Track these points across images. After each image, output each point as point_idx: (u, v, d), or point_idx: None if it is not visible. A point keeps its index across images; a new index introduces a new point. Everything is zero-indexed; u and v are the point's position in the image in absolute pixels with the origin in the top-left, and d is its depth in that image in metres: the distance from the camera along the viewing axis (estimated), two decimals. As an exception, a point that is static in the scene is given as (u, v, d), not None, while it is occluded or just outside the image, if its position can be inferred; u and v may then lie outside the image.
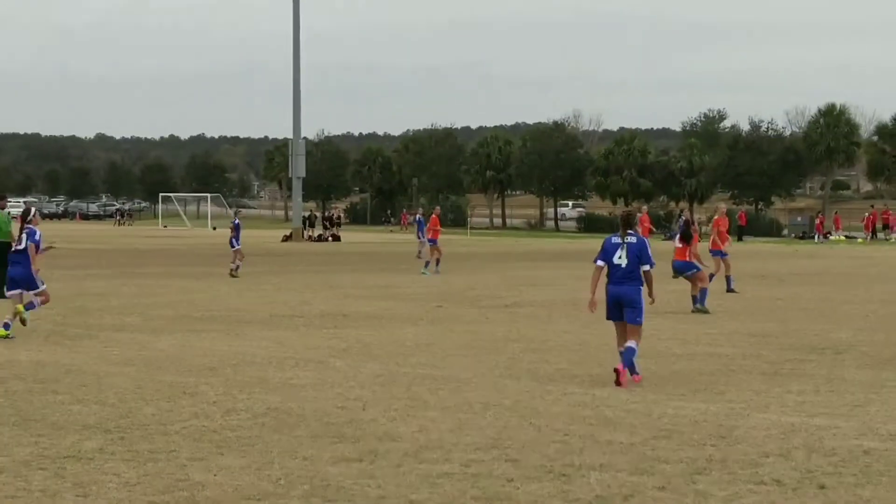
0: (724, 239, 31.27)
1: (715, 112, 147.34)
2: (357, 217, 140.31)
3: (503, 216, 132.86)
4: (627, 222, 15.48)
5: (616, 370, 14.89)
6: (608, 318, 15.59)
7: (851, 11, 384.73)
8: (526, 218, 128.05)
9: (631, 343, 15.11)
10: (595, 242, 75.27)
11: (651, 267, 15.26)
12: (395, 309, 25.55)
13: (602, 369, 16.28)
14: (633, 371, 15.03)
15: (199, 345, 18.81)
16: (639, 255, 15.20)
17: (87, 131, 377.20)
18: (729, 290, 30.42)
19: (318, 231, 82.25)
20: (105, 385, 14.54)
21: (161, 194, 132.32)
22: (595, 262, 15.55)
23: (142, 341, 19.05)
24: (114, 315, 23.57)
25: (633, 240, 15.29)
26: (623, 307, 15.24)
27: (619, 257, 15.24)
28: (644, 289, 15.25)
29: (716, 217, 32.17)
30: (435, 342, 19.50)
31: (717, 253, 30.77)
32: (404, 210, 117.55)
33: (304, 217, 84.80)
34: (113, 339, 19.62)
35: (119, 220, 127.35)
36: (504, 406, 13.23)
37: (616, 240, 15.36)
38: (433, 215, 42.41)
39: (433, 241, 41.05)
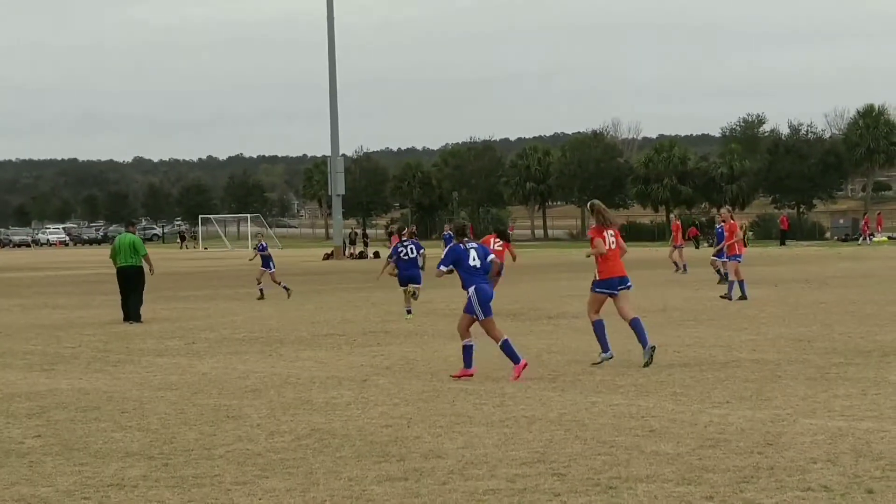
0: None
1: (754, 116, 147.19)
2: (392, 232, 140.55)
3: (544, 227, 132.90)
4: (461, 232, 17.70)
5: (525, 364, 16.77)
6: (487, 316, 17.25)
7: (889, 10, 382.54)
8: (567, 228, 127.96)
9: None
10: (637, 251, 75.35)
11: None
12: (438, 324, 25.51)
13: (646, 379, 16.24)
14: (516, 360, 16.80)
15: (241, 367, 18.83)
16: (485, 253, 17.41)
17: (124, 155, 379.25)
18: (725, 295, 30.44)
19: (359, 248, 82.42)
20: (147, 410, 14.57)
21: (200, 216, 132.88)
22: (439, 267, 17.63)
23: (184, 365, 19.08)
24: (155, 339, 23.64)
25: (474, 244, 17.40)
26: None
27: (473, 259, 17.21)
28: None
29: (732, 222, 32.25)
30: (478, 357, 19.40)
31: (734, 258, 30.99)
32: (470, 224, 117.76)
33: (346, 234, 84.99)
34: (154, 363, 19.67)
35: (181, 243, 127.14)
36: (549, 419, 13.18)
37: (462, 247, 17.29)
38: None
39: None
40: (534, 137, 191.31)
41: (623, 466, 10.56)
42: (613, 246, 18.31)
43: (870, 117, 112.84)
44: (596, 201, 19.02)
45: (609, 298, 18.24)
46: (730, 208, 35.08)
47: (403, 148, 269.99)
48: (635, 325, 18.06)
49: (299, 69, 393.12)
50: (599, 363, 17.92)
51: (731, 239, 31.45)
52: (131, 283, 28.31)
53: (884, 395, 14.28)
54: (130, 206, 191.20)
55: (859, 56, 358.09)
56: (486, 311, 17.21)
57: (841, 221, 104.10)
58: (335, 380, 16.92)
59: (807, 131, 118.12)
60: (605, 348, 18.08)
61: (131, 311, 28.00)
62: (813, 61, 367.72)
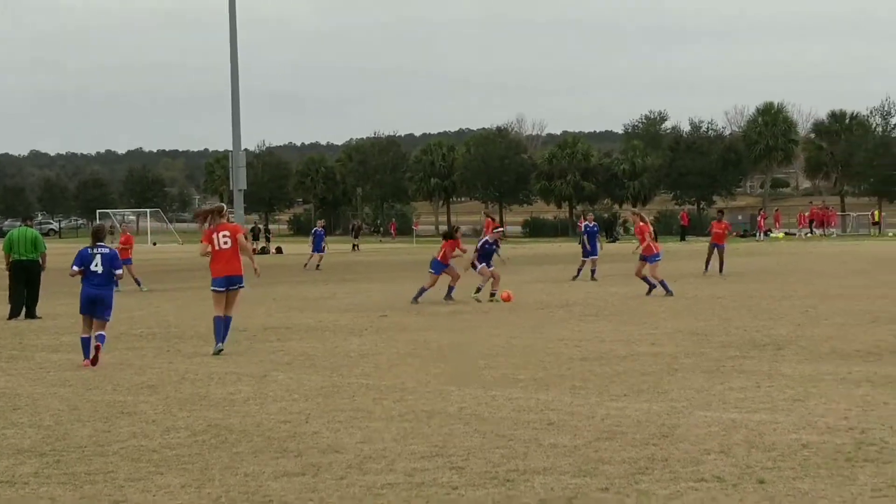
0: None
1: (656, 114, 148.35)
2: (301, 228, 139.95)
3: (448, 223, 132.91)
4: (97, 236, 19.06)
5: (96, 347, 18.10)
6: (82, 313, 18.67)
7: (786, 10, 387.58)
8: (472, 224, 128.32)
9: (102, 332, 18.33)
10: (540, 247, 75.64)
11: (120, 270, 19.01)
12: (339, 320, 25.48)
13: (546, 373, 16.33)
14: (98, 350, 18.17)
15: (138, 363, 18.62)
16: (111, 262, 18.71)
17: (20, 149, 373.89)
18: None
19: (261, 244, 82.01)
20: (40, 407, 14.38)
21: (98, 211, 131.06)
22: (72, 267, 18.78)
23: (78, 361, 18.70)
24: (50, 335, 23.32)
25: (106, 251, 18.83)
26: (96, 305, 18.46)
27: (96, 265, 18.59)
28: (114, 291, 19.01)
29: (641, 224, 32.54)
30: (379, 352, 19.46)
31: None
32: (393, 220, 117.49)
33: (248, 230, 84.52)
34: (49, 359, 19.40)
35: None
36: (448, 413, 13.21)
37: (90, 251, 18.70)
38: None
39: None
40: (438, 133, 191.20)
41: (521, 459, 10.62)
42: (226, 246, 19.42)
43: (769, 115, 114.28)
44: (216, 206, 20.62)
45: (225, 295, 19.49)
46: (636, 210, 35.28)
47: (307, 143, 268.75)
48: (226, 322, 19.51)
49: (201, 62, 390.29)
50: (217, 353, 19.13)
51: (643, 241, 31.73)
52: (28, 278, 27.93)
53: (777, 388, 14.48)
54: (26, 201, 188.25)
55: (759, 55, 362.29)
56: (82, 309, 18.70)
57: (740, 218, 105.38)
58: (234, 375, 16.82)
59: (707, 129, 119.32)
60: (218, 339, 19.41)
61: (27, 308, 27.65)
62: (713, 60, 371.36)
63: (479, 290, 30.29)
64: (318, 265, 52.54)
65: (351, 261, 55.04)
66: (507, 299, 29.29)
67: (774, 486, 9.40)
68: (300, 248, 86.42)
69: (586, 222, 39.40)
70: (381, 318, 25.80)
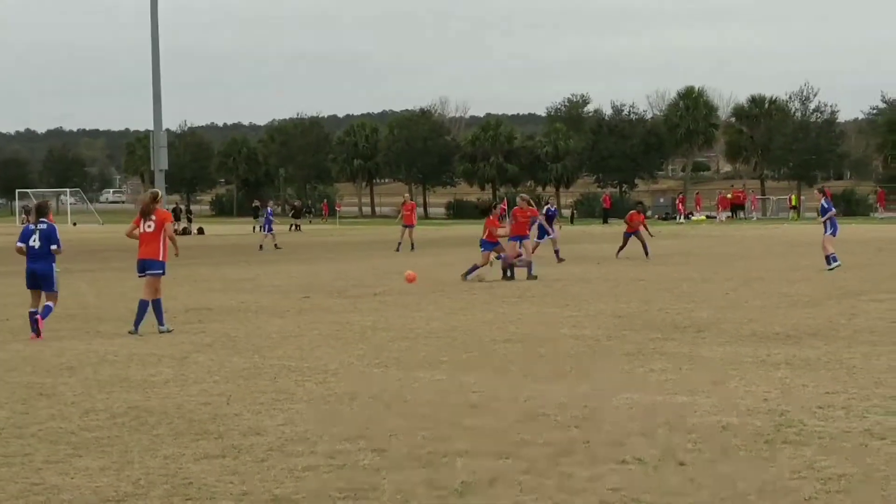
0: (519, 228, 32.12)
1: (579, 97, 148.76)
2: (223, 209, 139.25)
3: (372, 204, 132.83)
4: (40, 212, 19.52)
5: (35, 320, 18.95)
6: (28, 288, 19.50)
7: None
8: (395, 205, 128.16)
9: (49, 303, 19.28)
10: (463, 228, 75.50)
11: (59, 247, 19.32)
12: (262, 301, 25.36)
13: (469, 355, 16.35)
14: (39, 322, 19.03)
15: (57, 344, 18.40)
16: (48, 238, 19.14)
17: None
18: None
19: (182, 224, 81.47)
20: (-40, 389, 14.19)
21: (18, 190, 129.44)
22: (17, 243, 19.57)
23: None
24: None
25: (44, 226, 19.22)
26: (38, 279, 19.23)
27: (34, 240, 19.19)
28: (56, 265, 19.38)
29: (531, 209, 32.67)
30: (302, 333, 19.38)
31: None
32: (325, 200, 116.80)
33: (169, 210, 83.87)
34: (-32, 342, 19.16)
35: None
36: (371, 395, 13.18)
37: (31, 227, 19.36)
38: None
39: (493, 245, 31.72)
40: (362, 114, 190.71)
41: (443, 441, 10.61)
42: (149, 229, 19.68)
43: (689, 99, 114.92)
44: (150, 191, 20.97)
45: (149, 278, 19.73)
46: (524, 195, 35.08)
47: (229, 123, 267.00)
48: (155, 305, 19.66)
49: (122, 41, 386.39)
50: (133, 333, 19.38)
51: (518, 223, 31.76)
52: None
53: (697, 370, 14.59)
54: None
55: (680, 39, 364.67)
56: (27, 284, 19.48)
57: (661, 200, 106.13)
58: (154, 357, 16.69)
59: (629, 112, 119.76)
60: (136, 325, 19.57)
61: None
62: (636, 43, 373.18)
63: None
64: (275, 244, 52.63)
65: (283, 242, 54.67)
66: (411, 280, 29.16)
67: (695, 468, 9.46)
68: (222, 228, 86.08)
69: (548, 206, 39.51)
70: (303, 299, 25.70)
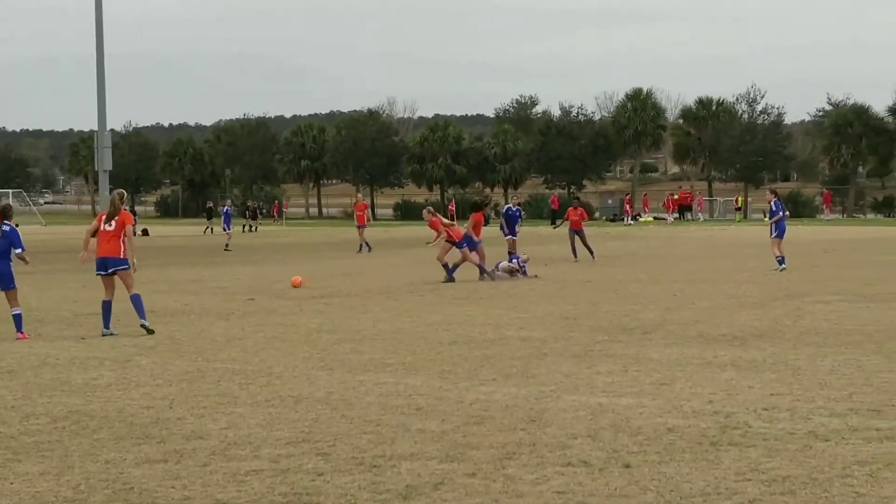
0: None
1: (527, 98, 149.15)
2: (168, 210, 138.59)
3: (319, 205, 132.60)
4: (3, 214, 19.50)
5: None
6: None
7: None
8: (342, 207, 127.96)
9: (16, 310, 19.48)
10: (411, 230, 75.35)
11: (23, 250, 19.47)
12: (206, 303, 25.21)
13: (415, 357, 16.28)
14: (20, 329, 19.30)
15: (-1, 347, 18.22)
16: (10, 240, 19.32)
17: None
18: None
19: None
20: None
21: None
22: None
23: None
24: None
25: (7, 228, 19.41)
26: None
27: None
28: (13, 263, 19.52)
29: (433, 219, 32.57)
30: (246, 336, 19.26)
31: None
32: (276, 202, 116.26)
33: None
34: None
35: None
36: (316, 398, 13.09)
37: None
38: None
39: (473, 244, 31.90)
40: (309, 115, 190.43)
41: (388, 445, 10.54)
42: (109, 228, 19.71)
43: (637, 100, 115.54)
44: (117, 192, 20.54)
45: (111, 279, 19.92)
46: (430, 209, 34.54)
47: (175, 123, 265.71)
48: (136, 300, 19.92)
49: (66, 40, 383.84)
50: (108, 334, 19.49)
51: (438, 234, 31.58)
52: None
53: (644, 372, 14.58)
54: None
55: (628, 40, 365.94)
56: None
57: (609, 202, 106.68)
58: (96, 360, 16.52)
59: (577, 113, 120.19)
60: (104, 324, 19.68)
61: None
62: (584, 44, 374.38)
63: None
64: (227, 245, 52.66)
65: (221, 244, 54.49)
66: (298, 285, 29.11)
67: (640, 471, 9.43)
68: (167, 229, 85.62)
69: (508, 205, 39.23)
70: (248, 301, 25.57)
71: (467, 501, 8.67)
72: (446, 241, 31.24)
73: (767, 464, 9.59)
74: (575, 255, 39.53)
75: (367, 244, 48.29)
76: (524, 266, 31.75)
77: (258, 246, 57.70)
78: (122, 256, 19.71)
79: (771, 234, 33.37)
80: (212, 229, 77.53)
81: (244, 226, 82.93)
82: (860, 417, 11.49)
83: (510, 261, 32.04)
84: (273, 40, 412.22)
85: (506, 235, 36.90)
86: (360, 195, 59.89)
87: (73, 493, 9.12)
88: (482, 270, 31.04)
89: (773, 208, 33.97)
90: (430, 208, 33.71)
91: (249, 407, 12.62)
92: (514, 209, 38.25)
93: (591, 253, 39.18)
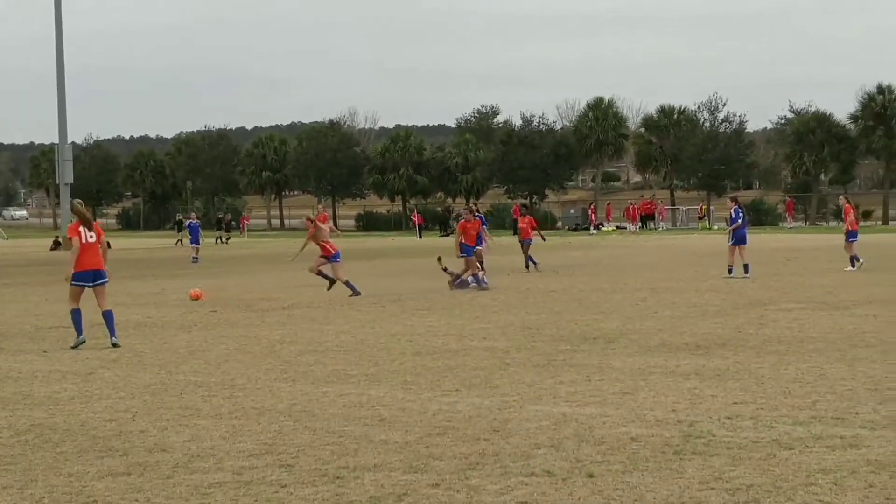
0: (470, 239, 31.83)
1: (488, 108, 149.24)
2: (130, 223, 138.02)
3: (281, 217, 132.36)
4: None
5: None
6: None
7: (615, 5, 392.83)
8: (304, 218, 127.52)
9: None
10: (373, 241, 75.25)
11: None
12: (168, 316, 25.13)
13: (378, 368, 16.27)
14: None
15: (-39, 361, 18.12)
16: None
17: None
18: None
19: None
20: None
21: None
22: None
23: None
24: None
25: None
26: None
27: None
28: None
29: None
30: (209, 348, 19.22)
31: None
32: (243, 213, 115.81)
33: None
34: None
35: None
36: (279, 410, 13.06)
37: None
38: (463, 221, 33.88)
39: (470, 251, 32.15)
40: (270, 126, 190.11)
41: (351, 456, 10.53)
42: (92, 240, 19.68)
43: (599, 109, 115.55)
44: (76, 202, 20.55)
45: (89, 290, 19.77)
46: (310, 216, 34.03)
47: (136, 136, 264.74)
48: (107, 316, 19.71)
49: (25, 53, 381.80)
50: (75, 346, 19.34)
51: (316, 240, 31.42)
52: None
53: (607, 381, 14.61)
54: None
55: (590, 49, 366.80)
56: None
57: (572, 211, 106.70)
58: (59, 373, 16.46)
59: (539, 123, 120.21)
60: (79, 332, 19.59)
61: None
62: (545, 55, 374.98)
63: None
64: (194, 257, 52.64)
65: (185, 256, 54.38)
66: (197, 298, 29.13)
67: (603, 480, 9.45)
68: (129, 242, 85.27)
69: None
70: (210, 313, 25.50)
71: (431, 512, 8.68)
72: (320, 255, 30.99)
73: (731, 472, 9.61)
74: (527, 266, 39.47)
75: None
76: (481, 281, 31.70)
77: (220, 258, 57.53)
78: (105, 269, 19.86)
79: (728, 242, 34.10)
80: (182, 241, 77.35)
81: (217, 238, 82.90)
82: (824, 425, 11.54)
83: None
84: (234, 52, 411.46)
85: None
86: (320, 206, 59.64)
87: (35, 506, 9.09)
88: (475, 279, 31.08)
89: (733, 216, 34.55)
90: (311, 216, 33.18)
91: (212, 419, 12.59)
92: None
93: (527, 265, 39.10)
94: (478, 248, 31.66)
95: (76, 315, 19.68)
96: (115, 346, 19.40)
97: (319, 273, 30.68)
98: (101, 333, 21.54)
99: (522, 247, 40.10)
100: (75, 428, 12.26)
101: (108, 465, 10.42)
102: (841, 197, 40.47)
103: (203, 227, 58.75)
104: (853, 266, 35.72)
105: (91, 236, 19.68)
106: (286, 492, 9.33)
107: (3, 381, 15.80)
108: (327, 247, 30.70)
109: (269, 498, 9.14)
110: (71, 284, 19.67)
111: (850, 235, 36.85)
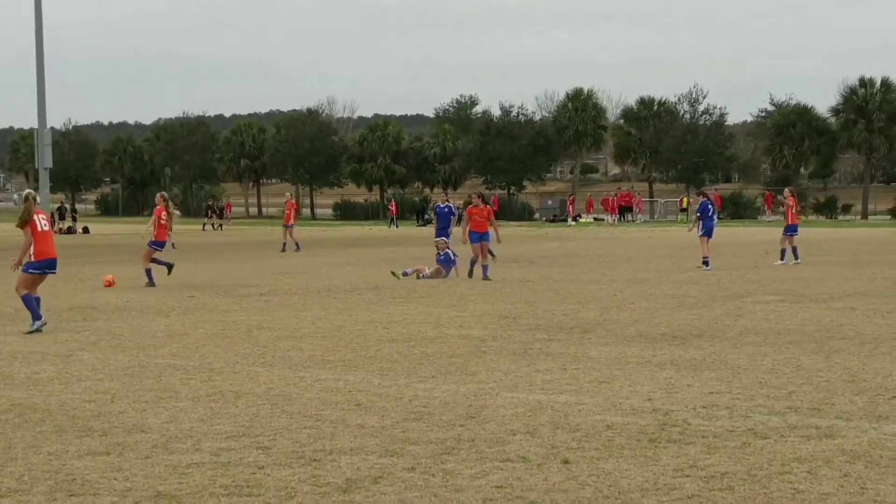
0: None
1: (467, 98, 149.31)
2: (108, 209, 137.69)
3: (259, 204, 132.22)
4: None
5: None
6: None
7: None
8: (281, 206, 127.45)
9: None
10: (351, 229, 75.30)
11: None
12: (147, 300, 25.15)
13: (355, 354, 16.34)
14: None
15: (-61, 342, 18.13)
16: None
17: None
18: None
19: (67, 223, 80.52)
20: None
21: None
22: None
23: None
24: None
25: None
26: None
27: None
28: None
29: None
30: (187, 332, 19.26)
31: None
32: (227, 201, 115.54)
33: (54, 209, 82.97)
34: None
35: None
36: (256, 394, 13.13)
37: None
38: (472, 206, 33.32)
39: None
40: (249, 114, 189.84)
41: (328, 439, 10.60)
42: (47, 228, 19.70)
43: (578, 101, 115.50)
44: (28, 192, 20.31)
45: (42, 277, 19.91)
46: (164, 195, 33.38)
47: (115, 122, 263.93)
48: (38, 301, 19.75)
49: (4, 37, 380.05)
50: (33, 331, 19.15)
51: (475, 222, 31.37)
52: None
53: (583, 370, 14.70)
54: None
55: (570, 40, 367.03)
56: None
57: (549, 202, 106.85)
58: (38, 355, 16.50)
59: (518, 113, 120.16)
60: (38, 316, 19.44)
61: None
62: (526, 45, 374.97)
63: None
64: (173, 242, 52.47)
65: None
66: (110, 284, 29.16)
67: (578, 466, 9.53)
68: (107, 227, 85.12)
69: (439, 204, 38.39)
70: (188, 298, 25.54)
71: (406, 495, 8.74)
72: (150, 242, 30.71)
73: (706, 460, 9.70)
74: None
75: (296, 243, 48.07)
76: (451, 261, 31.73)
77: (197, 245, 57.47)
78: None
79: (698, 233, 34.70)
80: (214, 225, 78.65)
81: (211, 224, 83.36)
82: (799, 416, 11.64)
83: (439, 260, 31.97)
84: (212, 39, 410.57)
85: (437, 236, 35.27)
86: (288, 194, 59.48)
87: (16, 483, 9.14)
88: (473, 265, 31.18)
89: (699, 209, 35.36)
90: (164, 194, 32.68)
91: (190, 402, 12.65)
92: (443, 206, 37.79)
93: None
94: (483, 241, 31.03)
95: (28, 300, 19.59)
96: (41, 328, 19.37)
97: (154, 261, 30.47)
98: (79, 316, 21.63)
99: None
100: (55, 408, 12.31)
101: (87, 444, 10.47)
102: (786, 189, 40.48)
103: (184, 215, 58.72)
104: (783, 259, 35.99)
105: (45, 225, 19.67)
106: (263, 473, 9.40)
107: (-18, 362, 15.85)
108: (163, 232, 30.58)
109: (247, 479, 9.21)
110: (30, 273, 19.60)
111: (789, 230, 36.81)
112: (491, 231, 31.50)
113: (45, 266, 19.65)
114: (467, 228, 31.26)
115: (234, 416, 11.81)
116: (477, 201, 32.62)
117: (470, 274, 31.08)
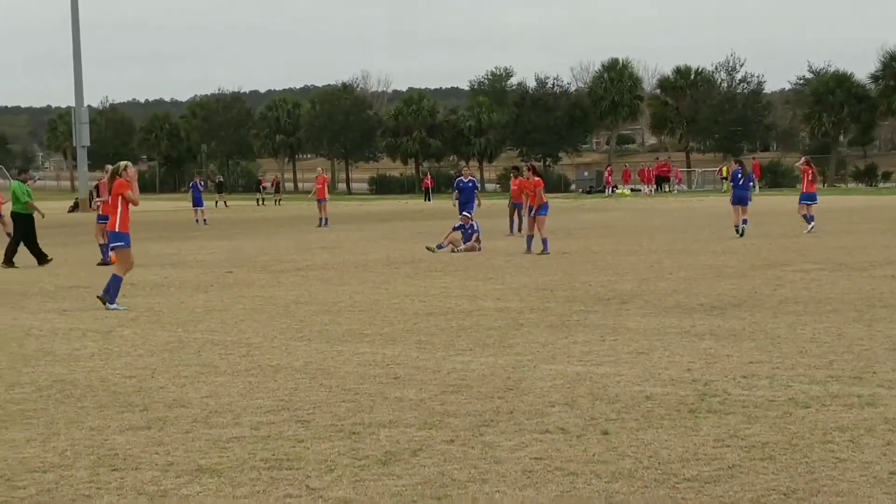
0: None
1: (502, 70, 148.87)
2: (145, 186, 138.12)
3: (294, 180, 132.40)
4: None
5: None
6: None
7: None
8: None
9: None
10: (387, 203, 75.33)
11: None
12: (185, 276, 25.25)
13: (392, 328, 16.35)
14: None
15: (-19, 320, 18.27)
16: None
17: None
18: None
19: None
20: None
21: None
22: None
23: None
24: None
25: None
26: None
27: None
28: None
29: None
30: (225, 308, 19.32)
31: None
32: (275, 176, 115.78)
33: (91, 187, 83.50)
34: None
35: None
36: (294, 368, 13.16)
37: None
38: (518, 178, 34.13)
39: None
40: (283, 90, 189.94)
41: (366, 413, 10.61)
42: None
43: (614, 71, 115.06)
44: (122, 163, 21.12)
45: None
46: (530, 165, 33.65)
47: (151, 99, 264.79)
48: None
49: (42, 16, 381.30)
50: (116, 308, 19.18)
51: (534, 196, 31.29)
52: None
53: (621, 342, 14.66)
54: None
55: (606, 10, 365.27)
56: None
57: (586, 174, 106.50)
58: (79, 331, 16.59)
59: (553, 85, 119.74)
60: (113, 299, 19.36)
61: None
62: (560, 15, 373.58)
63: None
64: (205, 219, 53.26)
65: (220, 218, 54.48)
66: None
67: (618, 437, 9.51)
68: (144, 205, 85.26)
69: (462, 178, 37.75)
70: (226, 274, 25.62)
71: (446, 467, 8.74)
72: (99, 214, 29.94)
73: (746, 430, 9.65)
74: (511, 230, 38.97)
75: (323, 219, 48.00)
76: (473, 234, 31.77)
77: (234, 220, 57.70)
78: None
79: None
80: (225, 202, 79.32)
81: (260, 199, 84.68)
82: (840, 384, 11.56)
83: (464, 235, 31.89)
84: (248, 14, 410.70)
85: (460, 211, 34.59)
86: (320, 169, 59.46)
87: (59, 458, 9.20)
88: (530, 240, 30.75)
89: (731, 177, 35.85)
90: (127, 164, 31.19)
91: (229, 376, 12.69)
92: (466, 181, 36.66)
93: (519, 227, 37.86)
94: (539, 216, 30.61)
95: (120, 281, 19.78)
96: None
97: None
98: (129, 293, 21.72)
99: (511, 210, 39.64)
100: (96, 384, 12.38)
101: (128, 419, 10.53)
102: (803, 158, 40.33)
103: (245, 191, 59.32)
104: (810, 224, 35.83)
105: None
106: (303, 446, 9.42)
107: (26, 339, 15.95)
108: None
109: (287, 452, 9.24)
110: (124, 249, 19.92)
111: (804, 198, 36.78)
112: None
113: (129, 240, 20.06)
114: (527, 204, 31.02)
115: (272, 390, 11.84)
116: (528, 174, 32.23)
117: (528, 250, 30.41)
